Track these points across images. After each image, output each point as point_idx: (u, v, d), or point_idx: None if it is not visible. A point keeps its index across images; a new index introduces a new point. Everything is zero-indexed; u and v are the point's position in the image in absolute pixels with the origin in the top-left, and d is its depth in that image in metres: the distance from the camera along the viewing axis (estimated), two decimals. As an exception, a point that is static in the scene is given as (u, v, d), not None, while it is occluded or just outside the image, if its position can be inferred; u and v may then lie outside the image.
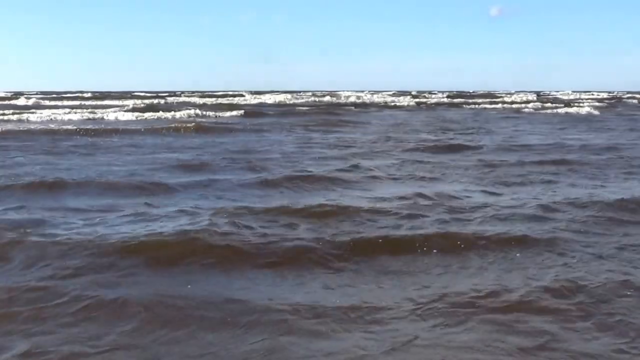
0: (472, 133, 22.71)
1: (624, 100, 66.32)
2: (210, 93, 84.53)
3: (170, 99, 57.99)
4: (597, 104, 50.13)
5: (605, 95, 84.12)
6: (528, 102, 54.87)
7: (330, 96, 72.38)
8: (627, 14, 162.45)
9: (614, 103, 57.17)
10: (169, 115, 32.09)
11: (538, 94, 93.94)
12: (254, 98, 62.69)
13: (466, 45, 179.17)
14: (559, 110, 40.46)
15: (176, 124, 24.37)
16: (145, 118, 30.46)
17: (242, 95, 70.86)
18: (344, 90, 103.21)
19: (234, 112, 35.06)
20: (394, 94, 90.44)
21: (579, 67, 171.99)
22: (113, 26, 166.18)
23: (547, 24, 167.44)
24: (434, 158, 14.97)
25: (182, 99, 61.33)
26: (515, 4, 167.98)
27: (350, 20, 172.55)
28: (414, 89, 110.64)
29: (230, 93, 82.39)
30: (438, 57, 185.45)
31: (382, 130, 23.93)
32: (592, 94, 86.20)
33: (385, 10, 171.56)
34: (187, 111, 34.58)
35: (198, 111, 34.65)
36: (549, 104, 49.60)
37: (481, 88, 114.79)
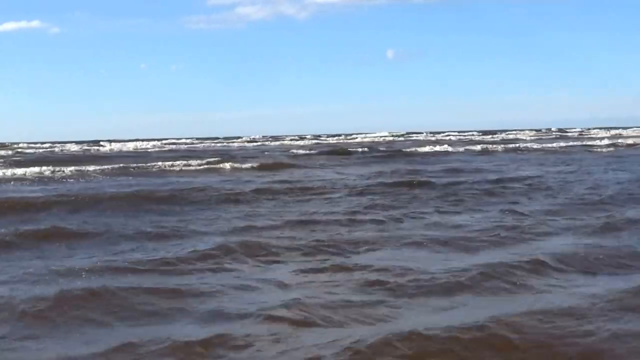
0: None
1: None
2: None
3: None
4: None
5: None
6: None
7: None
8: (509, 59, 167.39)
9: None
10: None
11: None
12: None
13: (367, 89, 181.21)
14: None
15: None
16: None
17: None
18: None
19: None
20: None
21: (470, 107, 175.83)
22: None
23: (439, 66, 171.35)
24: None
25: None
26: (409, 47, 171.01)
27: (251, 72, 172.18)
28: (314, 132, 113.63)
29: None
30: (338, 103, 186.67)
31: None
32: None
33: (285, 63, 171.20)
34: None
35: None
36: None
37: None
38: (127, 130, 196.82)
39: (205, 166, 26.44)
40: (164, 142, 72.75)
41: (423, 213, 12.76)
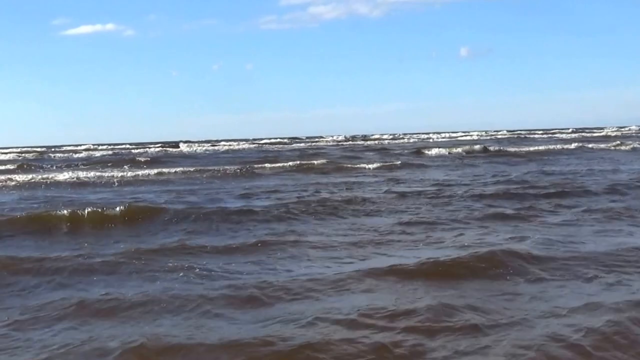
0: None
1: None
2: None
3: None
4: None
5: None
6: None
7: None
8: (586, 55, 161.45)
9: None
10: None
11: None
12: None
13: (440, 87, 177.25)
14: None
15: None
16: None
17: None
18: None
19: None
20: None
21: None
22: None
23: (514, 63, 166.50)
24: None
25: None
26: (483, 44, 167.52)
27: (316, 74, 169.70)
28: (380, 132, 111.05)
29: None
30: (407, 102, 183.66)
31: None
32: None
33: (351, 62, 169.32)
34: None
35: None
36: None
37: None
38: (201, 131, 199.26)
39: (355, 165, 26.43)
40: (254, 142, 72.22)
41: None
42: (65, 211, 12.32)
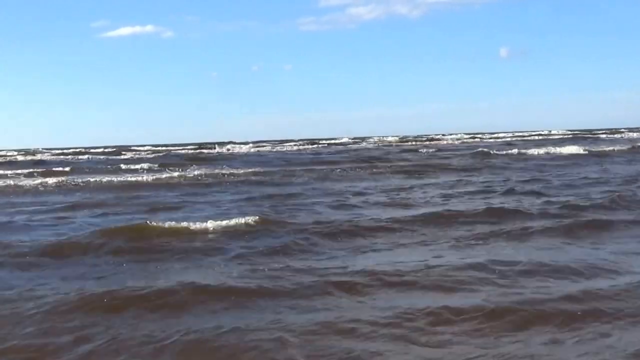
0: None
1: None
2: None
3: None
4: None
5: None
6: None
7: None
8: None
9: None
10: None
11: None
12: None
13: (480, 88, 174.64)
14: None
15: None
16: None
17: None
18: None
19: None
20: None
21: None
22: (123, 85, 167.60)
23: (556, 64, 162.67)
24: None
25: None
26: (523, 44, 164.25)
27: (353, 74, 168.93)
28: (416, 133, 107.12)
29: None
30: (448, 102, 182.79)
31: None
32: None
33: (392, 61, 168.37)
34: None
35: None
36: None
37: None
38: (241, 132, 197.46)
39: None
40: (308, 142, 70.38)
41: None
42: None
